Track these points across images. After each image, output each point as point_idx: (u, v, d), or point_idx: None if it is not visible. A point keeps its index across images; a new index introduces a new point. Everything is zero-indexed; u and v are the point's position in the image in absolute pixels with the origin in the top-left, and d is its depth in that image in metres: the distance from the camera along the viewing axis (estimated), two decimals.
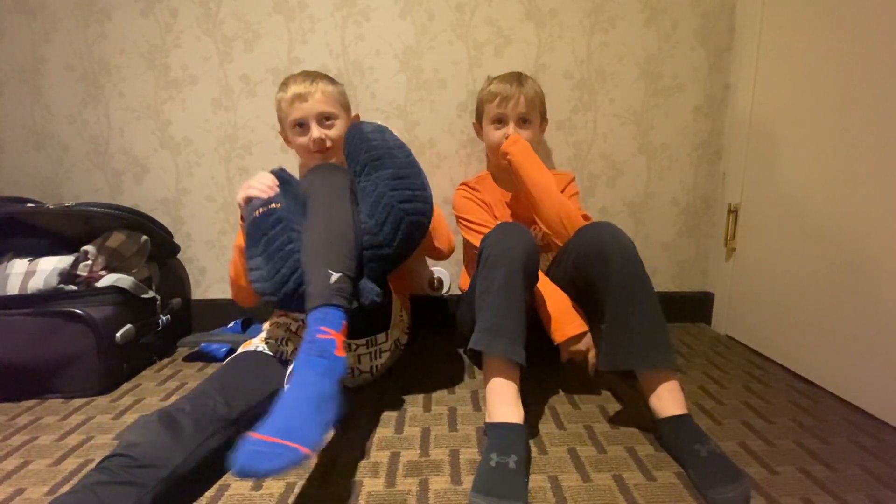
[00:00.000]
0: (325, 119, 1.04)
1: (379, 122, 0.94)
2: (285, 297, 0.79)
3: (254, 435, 0.55)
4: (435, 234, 1.02)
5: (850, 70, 0.93)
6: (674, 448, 0.77)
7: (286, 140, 1.11)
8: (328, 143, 1.03)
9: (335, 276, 0.73)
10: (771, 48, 1.15)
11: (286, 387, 0.63)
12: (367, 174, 0.87)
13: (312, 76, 1.05)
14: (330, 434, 0.67)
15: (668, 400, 0.79)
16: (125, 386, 1.05)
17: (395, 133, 0.94)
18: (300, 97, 1.01)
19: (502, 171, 1.14)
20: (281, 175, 0.93)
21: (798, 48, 1.06)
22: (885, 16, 0.86)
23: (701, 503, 0.66)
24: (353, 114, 1.16)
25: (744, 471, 0.68)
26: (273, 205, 0.86)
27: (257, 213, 0.85)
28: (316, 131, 1.02)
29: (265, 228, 0.83)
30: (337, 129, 1.05)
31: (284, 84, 1.05)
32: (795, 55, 1.07)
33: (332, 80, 1.08)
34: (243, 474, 0.52)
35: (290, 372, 0.66)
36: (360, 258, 0.81)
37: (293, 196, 0.89)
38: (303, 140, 1.04)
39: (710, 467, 0.69)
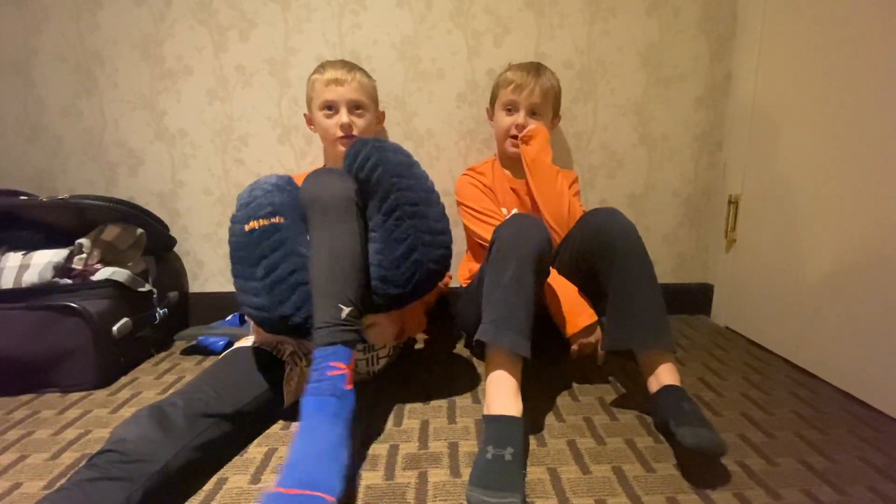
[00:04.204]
0: (355, 107, 1.07)
1: (394, 143, 0.85)
2: (285, 329, 0.78)
3: (276, 489, 0.57)
4: None
5: (853, 60, 0.92)
6: (662, 409, 0.76)
7: (309, 122, 1.15)
8: (354, 131, 1.06)
9: (346, 310, 0.72)
10: (773, 37, 1.13)
11: (298, 425, 0.65)
12: (396, 218, 0.80)
13: (350, 66, 1.09)
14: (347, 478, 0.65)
15: (664, 378, 0.80)
16: (122, 380, 1.04)
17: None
18: (337, 81, 1.05)
19: (509, 157, 1.14)
20: (281, 183, 0.85)
21: (801, 37, 1.05)
22: (889, 5, 0.84)
23: (701, 494, 0.66)
24: (381, 110, 1.18)
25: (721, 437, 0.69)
26: (275, 218, 0.78)
27: (256, 224, 0.77)
28: (345, 116, 1.05)
29: (265, 249, 0.77)
30: (364, 120, 1.08)
31: (322, 67, 1.08)
32: (798, 45, 1.05)
33: (367, 74, 1.11)
34: None
35: (301, 409, 0.67)
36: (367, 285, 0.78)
37: (294, 206, 0.82)
38: (329, 123, 1.06)
39: (689, 415, 0.71)
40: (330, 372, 0.69)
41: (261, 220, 0.78)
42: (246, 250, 0.78)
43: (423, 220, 0.80)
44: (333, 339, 0.71)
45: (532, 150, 1.06)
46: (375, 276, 0.80)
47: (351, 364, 0.72)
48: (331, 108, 1.06)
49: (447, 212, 0.88)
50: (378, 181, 0.80)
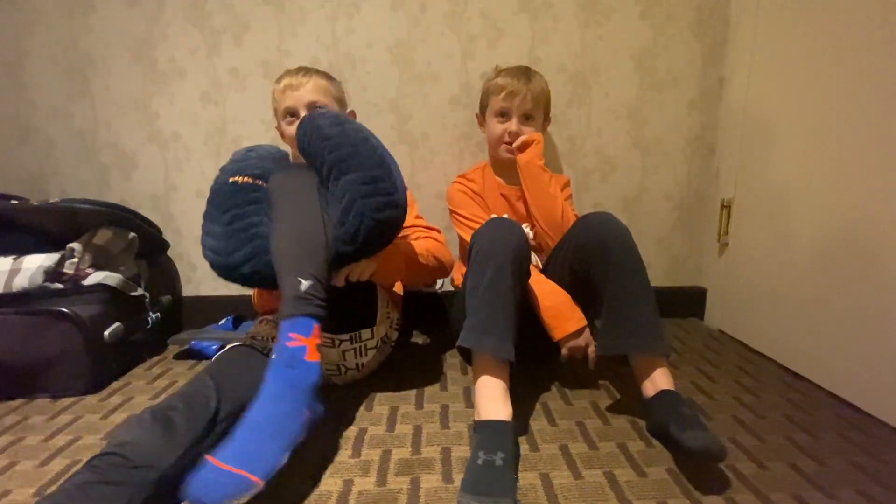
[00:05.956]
0: (315, 108, 1.02)
1: (333, 111, 0.90)
2: (234, 276, 0.82)
3: (210, 459, 0.58)
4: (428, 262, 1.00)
5: (845, 64, 0.92)
6: (660, 414, 0.77)
7: (281, 135, 1.11)
8: None
9: (305, 283, 0.74)
10: (766, 42, 1.14)
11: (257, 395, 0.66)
12: (334, 179, 0.81)
13: (308, 70, 1.05)
14: (286, 459, 0.63)
15: (659, 382, 0.81)
16: (114, 385, 1.04)
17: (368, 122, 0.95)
18: (291, 86, 1.02)
19: (501, 163, 1.14)
20: (277, 156, 0.92)
21: (793, 42, 1.05)
22: (881, 9, 0.85)
23: (693, 499, 0.66)
24: (349, 110, 1.16)
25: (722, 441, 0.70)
26: (259, 181, 0.85)
27: (241, 179, 0.84)
28: None
29: (239, 201, 0.83)
30: None
31: (279, 77, 1.06)
32: (790, 49, 1.06)
33: (328, 76, 1.07)
34: (197, 501, 0.55)
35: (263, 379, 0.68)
36: (330, 259, 0.80)
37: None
38: (292, 130, 1.02)
39: (690, 420, 0.71)
40: (289, 342, 0.69)
41: (246, 178, 0.84)
42: (222, 197, 0.84)
43: (357, 172, 0.79)
44: (293, 311, 0.72)
45: (526, 155, 1.07)
46: (331, 238, 0.80)
47: (313, 337, 0.71)
48: (292, 114, 1.03)
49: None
50: (313, 151, 0.84)
